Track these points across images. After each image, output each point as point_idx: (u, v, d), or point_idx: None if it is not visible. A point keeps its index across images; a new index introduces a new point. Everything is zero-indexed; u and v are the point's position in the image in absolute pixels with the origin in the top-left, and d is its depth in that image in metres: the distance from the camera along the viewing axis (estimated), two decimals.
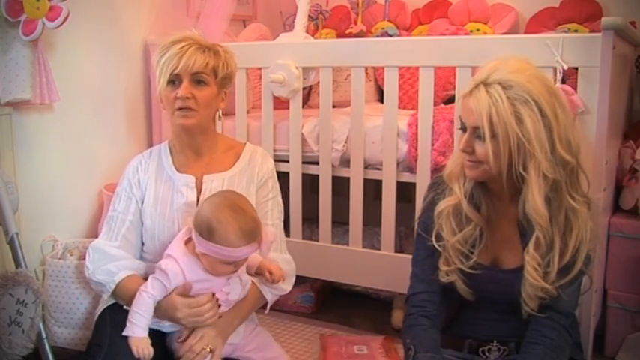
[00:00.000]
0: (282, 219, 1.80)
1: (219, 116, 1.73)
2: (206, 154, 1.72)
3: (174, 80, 1.61)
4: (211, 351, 1.52)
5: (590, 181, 1.46)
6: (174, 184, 1.69)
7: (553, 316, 1.41)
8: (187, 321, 1.52)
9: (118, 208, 1.69)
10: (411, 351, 1.45)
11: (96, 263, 1.63)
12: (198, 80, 1.62)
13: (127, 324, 1.49)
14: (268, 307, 1.70)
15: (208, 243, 1.46)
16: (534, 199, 1.35)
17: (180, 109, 1.61)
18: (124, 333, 1.48)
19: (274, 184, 1.77)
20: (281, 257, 1.71)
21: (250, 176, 1.73)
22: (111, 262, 1.62)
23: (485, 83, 1.35)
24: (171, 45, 1.62)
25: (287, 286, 1.72)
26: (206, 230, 1.47)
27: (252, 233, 1.48)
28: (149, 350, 1.47)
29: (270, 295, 1.68)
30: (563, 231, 1.39)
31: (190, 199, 1.66)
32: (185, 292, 1.52)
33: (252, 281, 1.64)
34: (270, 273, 1.60)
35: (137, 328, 1.48)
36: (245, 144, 1.80)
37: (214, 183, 1.68)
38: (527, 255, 1.39)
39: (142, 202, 1.69)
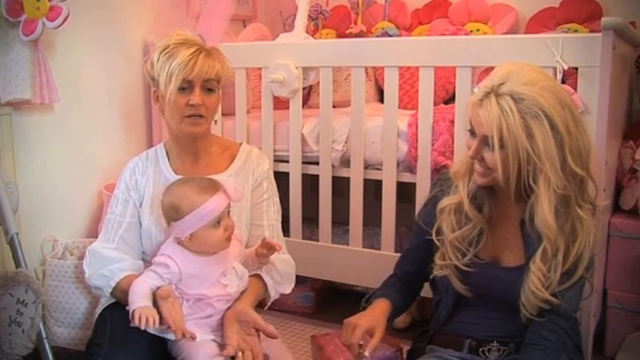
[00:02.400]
0: (280, 219, 1.79)
1: (216, 120, 1.74)
2: (203, 156, 1.72)
3: (184, 87, 1.60)
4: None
5: (598, 188, 1.45)
6: None
7: (553, 319, 1.40)
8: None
9: (115, 210, 1.69)
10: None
11: (92, 267, 1.64)
12: (208, 88, 1.63)
13: (129, 309, 1.46)
14: (268, 305, 1.70)
15: (184, 220, 1.49)
16: (544, 212, 1.34)
17: (190, 116, 1.61)
18: (128, 307, 1.46)
19: (269, 185, 1.77)
20: (279, 257, 1.70)
21: (245, 177, 1.73)
22: (106, 265, 1.61)
23: (497, 93, 1.33)
24: (178, 48, 1.60)
25: (288, 287, 1.72)
26: (173, 211, 1.51)
27: (210, 185, 1.52)
28: (154, 317, 1.42)
29: (274, 292, 1.67)
30: (568, 240, 1.39)
31: None
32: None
33: (260, 275, 1.64)
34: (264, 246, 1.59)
35: (137, 302, 1.45)
36: (241, 144, 1.80)
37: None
38: (533, 265, 1.39)
39: (140, 204, 1.69)
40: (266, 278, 1.64)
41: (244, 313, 1.53)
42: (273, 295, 1.67)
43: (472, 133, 1.40)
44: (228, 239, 1.54)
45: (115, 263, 1.61)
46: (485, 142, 1.36)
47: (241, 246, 1.63)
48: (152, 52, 1.66)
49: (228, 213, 1.55)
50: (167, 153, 1.75)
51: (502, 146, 1.32)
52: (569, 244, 1.38)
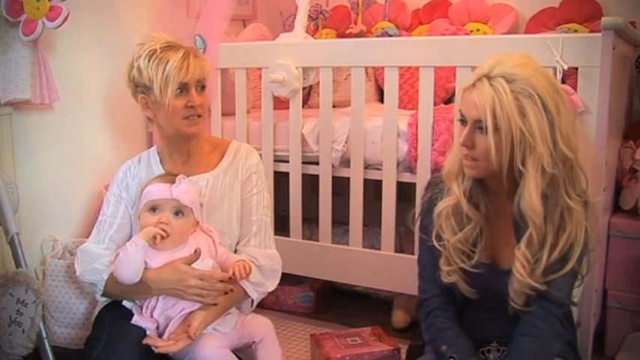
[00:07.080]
0: (271, 215, 1.79)
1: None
2: (194, 155, 1.74)
3: (181, 89, 1.62)
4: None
5: (589, 180, 1.45)
6: None
7: (544, 305, 1.38)
8: (194, 292, 1.53)
9: (107, 212, 1.72)
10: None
11: (83, 265, 1.66)
12: (202, 87, 1.66)
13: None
14: (254, 305, 1.70)
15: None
16: (530, 194, 1.35)
17: (188, 117, 1.64)
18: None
19: (259, 179, 1.76)
20: (262, 252, 1.70)
21: (234, 173, 1.74)
22: (97, 259, 1.64)
23: (489, 77, 1.34)
24: (166, 52, 1.61)
25: (271, 284, 1.70)
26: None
27: (166, 178, 1.63)
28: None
29: (256, 294, 1.66)
30: (557, 229, 1.38)
31: None
32: (192, 260, 1.55)
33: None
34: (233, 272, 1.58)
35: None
36: (230, 142, 1.81)
37: (199, 183, 1.70)
38: (517, 251, 1.38)
39: (132, 207, 1.71)
40: (242, 282, 1.63)
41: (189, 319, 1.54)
42: (256, 296, 1.67)
43: (463, 121, 1.40)
44: (161, 226, 1.55)
45: (105, 257, 1.64)
46: (477, 126, 1.37)
47: (210, 241, 1.63)
48: (135, 59, 1.65)
49: (179, 213, 1.57)
50: (159, 155, 1.77)
51: (495, 128, 1.33)
52: (557, 234, 1.38)
